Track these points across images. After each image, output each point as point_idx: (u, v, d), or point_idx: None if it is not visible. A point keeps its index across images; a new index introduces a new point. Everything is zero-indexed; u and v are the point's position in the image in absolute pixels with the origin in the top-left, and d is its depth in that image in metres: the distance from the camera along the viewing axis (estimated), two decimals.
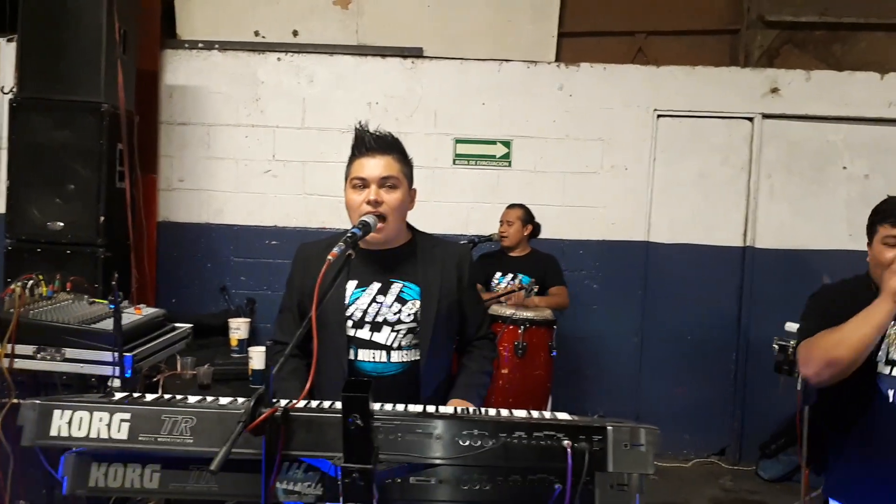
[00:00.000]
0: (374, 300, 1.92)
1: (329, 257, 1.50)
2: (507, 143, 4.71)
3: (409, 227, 2.03)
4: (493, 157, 4.72)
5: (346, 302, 1.92)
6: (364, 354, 1.91)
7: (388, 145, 1.88)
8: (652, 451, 1.37)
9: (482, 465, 1.38)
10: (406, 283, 1.94)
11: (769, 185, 4.71)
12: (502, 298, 3.84)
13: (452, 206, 4.72)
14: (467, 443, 1.35)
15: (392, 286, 1.93)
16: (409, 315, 1.91)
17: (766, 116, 4.65)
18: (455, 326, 2.03)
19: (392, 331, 1.91)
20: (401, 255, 1.97)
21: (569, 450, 1.31)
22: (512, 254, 4.17)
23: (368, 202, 1.83)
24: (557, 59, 4.71)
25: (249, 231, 4.73)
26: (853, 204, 4.70)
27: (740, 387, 4.77)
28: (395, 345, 1.90)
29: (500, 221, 4.19)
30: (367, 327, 1.91)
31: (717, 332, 4.78)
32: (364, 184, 1.85)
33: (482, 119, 4.69)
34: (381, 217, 1.83)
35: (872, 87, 4.57)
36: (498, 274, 4.14)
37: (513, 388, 3.55)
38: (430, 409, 1.48)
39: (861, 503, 1.99)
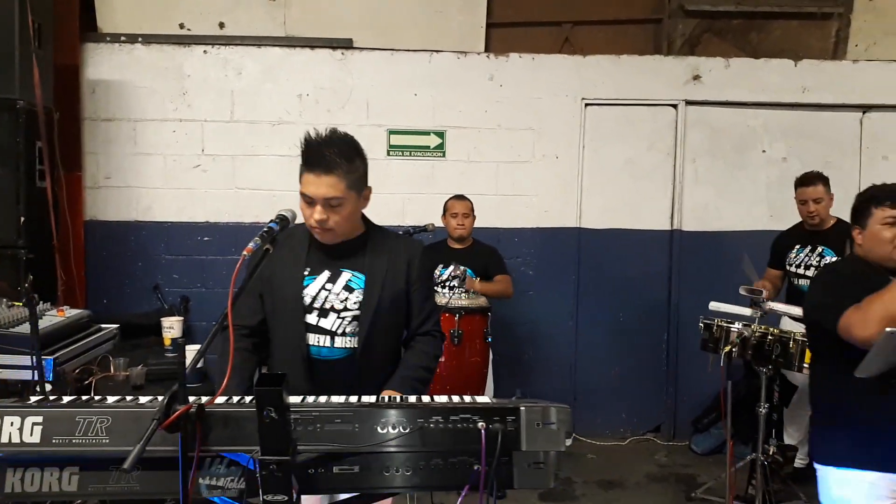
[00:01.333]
0: (323, 287, 1.99)
1: (244, 253, 1.51)
2: (440, 134, 4.74)
3: (365, 221, 2.09)
4: (428, 147, 4.75)
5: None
6: (310, 339, 1.98)
7: (334, 162, 1.88)
8: (563, 429, 1.43)
9: (402, 451, 1.42)
10: (354, 273, 2.01)
11: (693, 170, 4.88)
12: (442, 288, 3.89)
13: (388, 198, 4.72)
14: (386, 430, 1.38)
15: (341, 275, 2.00)
16: (355, 303, 1.99)
17: (689, 103, 4.81)
18: (400, 318, 2.09)
19: (338, 317, 1.98)
20: (351, 247, 2.02)
21: (483, 431, 1.37)
22: (455, 246, 4.20)
23: (316, 220, 1.90)
24: (487, 50, 4.76)
25: (180, 228, 4.64)
26: (773, 186, 4.91)
27: (672, 365, 4.95)
28: (340, 331, 1.97)
29: (453, 214, 4.12)
30: (315, 313, 1.98)
31: (648, 313, 4.94)
32: (311, 201, 1.90)
33: (415, 110, 4.71)
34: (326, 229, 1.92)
35: (787, 74, 4.78)
36: (440, 266, 4.16)
37: (450, 375, 3.60)
38: (352, 399, 1.51)
39: (872, 466, 2.08)
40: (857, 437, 2.08)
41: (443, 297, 3.73)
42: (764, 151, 4.91)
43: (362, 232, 2.06)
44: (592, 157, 4.84)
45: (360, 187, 1.98)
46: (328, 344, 1.97)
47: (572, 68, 4.73)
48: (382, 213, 4.63)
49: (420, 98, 4.70)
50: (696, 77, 4.75)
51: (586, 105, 4.78)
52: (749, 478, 3.73)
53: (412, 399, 1.52)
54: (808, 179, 3.96)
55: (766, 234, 4.82)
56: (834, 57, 4.90)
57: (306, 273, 2.00)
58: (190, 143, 4.61)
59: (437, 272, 4.11)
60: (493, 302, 4.07)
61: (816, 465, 2.23)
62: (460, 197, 4.18)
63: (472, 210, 4.16)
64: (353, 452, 1.39)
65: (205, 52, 4.59)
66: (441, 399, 1.55)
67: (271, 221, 1.68)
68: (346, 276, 2.00)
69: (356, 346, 1.97)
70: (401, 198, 4.74)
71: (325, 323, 1.98)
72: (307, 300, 1.98)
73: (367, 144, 4.83)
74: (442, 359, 3.58)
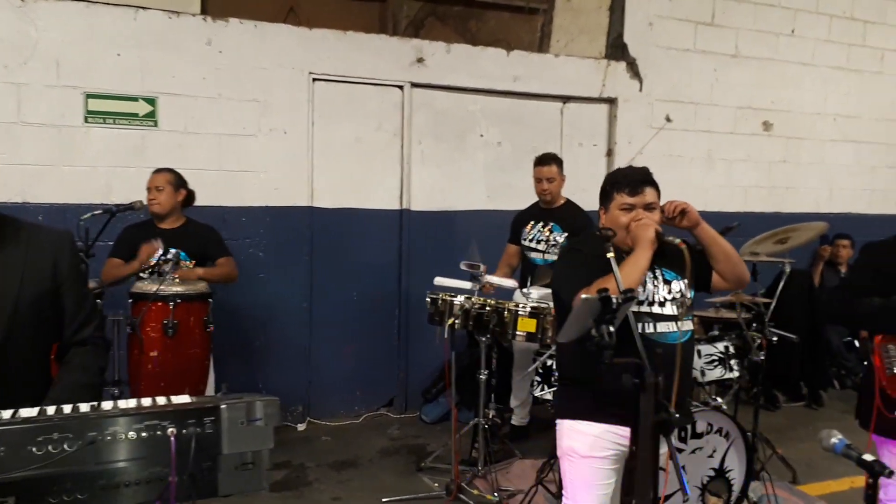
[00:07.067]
0: None
1: None
2: (151, 101, 4.24)
3: None
4: (136, 115, 4.23)
5: None
6: None
7: None
8: (272, 424, 1.30)
9: (71, 473, 1.17)
10: None
11: (420, 151, 5.02)
12: (151, 273, 3.46)
13: (87, 172, 4.13)
14: (44, 450, 1.12)
15: None
16: None
17: (414, 85, 4.91)
18: (49, 328, 1.71)
19: None
20: None
21: (172, 439, 1.18)
22: (163, 225, 3.76)
23: None
24: (203, 12, 4.36)
25: None
26: (490, 168, 5.25)
27: (404, 340, 5.07)
28: None
29: (147, 189, 3.75)
30: None
31: (380, 290, 5.00)
32: None
33: (119, 72, 4.15)
34: None
35: (501, 63, 5.11)
36: None
37: (164, 371, 3.23)
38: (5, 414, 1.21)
39: (598, 419, 2.24)
40: (588, 394, 2.26)
41: (153, 283, 3.33)
42: (482, 136, 5.22)
43: None
44: (322, 134, 4.72)
45: None
46: None
47: (298, 40, 4.54)
48: (81, 190, 4.11)
49: (125, 59, 4.15)
50: (420, 60, 4.87)
51: (314, 80, 4.63)
52: (472, 441, 3.97)
53: (83, 408, 1.25)
54: (544, 160, 4.27)
55: (485, 214, 5.17)
56: (540, 50, 5.36)
57: None
58: None
59: None
60: (217, 286, 3.77)
61: (556, 420, 2.41)
62: (158, 170, 3.77)
63: (171, 182, 3.74)
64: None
65: None
66: (128, 404, 1.31)
67: None
68: None
69: None
70: (104, 171, 4.17)
71: None
72: None
73: (59, 109, 4.23)
74: (154, 353, 3.26)
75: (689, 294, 2.31)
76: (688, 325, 2.28)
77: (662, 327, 2.22)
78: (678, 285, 2.29)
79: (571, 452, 2.31)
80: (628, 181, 2.27)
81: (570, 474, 2.33)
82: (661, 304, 2.25)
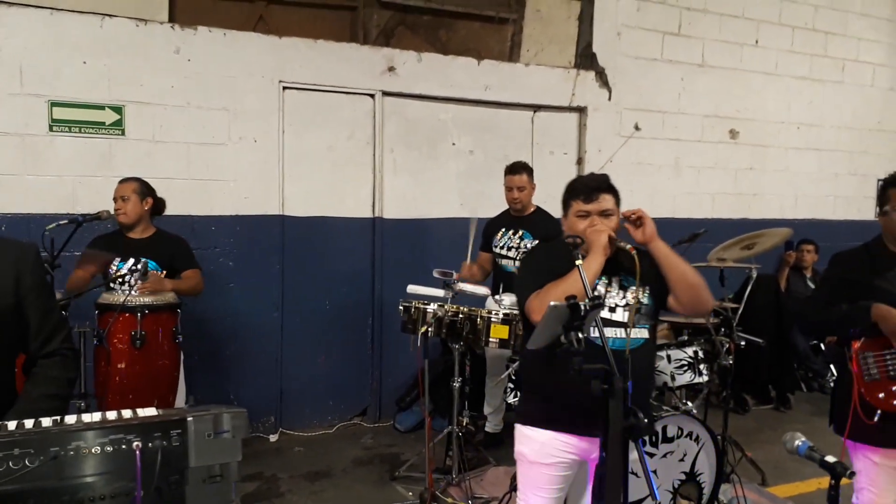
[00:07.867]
0: None
1: None
2: (118, 109, 4.18)
3: None
4: (103, 124, 4.16)
5: None
6: None
7: None
8: (240, 436, 1.29)
9: (34, 489, 1.14)
10: None
11: (392, 160, 5.02)
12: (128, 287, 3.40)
13: (53, 181, 4.06)
14: (4, 466, 1.10)
15: None
16: None
17: (385, 94, 4.91)
18: (11, 342, 1.68)
19: None
20: None
21: (138, 452, 1.16)
22: (131, 235, 3.69)
23: None
24: (171, 20, 4.32)
25: None
26: (462, 177, 5.27)
27: (377, 348, 5.05)
28: None
29: (113, 199, 3.69)
30: None
31: (353, 299, 4.97)
32: None
33: (85, 80, 4.09)
34: None
35: (471, 72, 5.15)
36: (117, 259, 3.65)
37: (132, 382, 3.18)
38: None
39: (547, 426, 2.26)
40: (538, 400, 2.29)
41: (121, 294, 3.27)
42: (454, 144, 5.23)
43: None
44: (293, 142, 4.70)
45: None
46: None
47: (268, 48, 4.52)
48: (47, 199, 4.05)
49: (91, 67, 4.09)
50: (391, 68, 4.88)
51: (284, 88, 4.61)
52: (446, 449, 3.96)
53: (45, 422, 1.23)
54: (514, 168, 4.32)
55: (458, 222, 5.16)
56: (510, 59, 5.40)
57: None
58: None
59: (113, 266, 3.61)
60: (185, 296, 3.71)
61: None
62: (123, 179, 3.71)
63: (137, 191, 3.66)
64: None
65: None
66: (92, 417, 1.29)
67: None
68: None
69: None
70: (70, 181, 4.10)
71: None
72: None
73: (23, 117, 4.17)
74: (121, 365, 3.21)
75: (647, 302, 2.29)
76: (641, 333, 2.25)
77: (608, 332, 2.18)
78: (636, 292, 2.29)
79: (521, 457, 2.34)
80: (583, 188, 2.28)
81: (521, 477, 2.36)
82: (612, 310, 2.25)
